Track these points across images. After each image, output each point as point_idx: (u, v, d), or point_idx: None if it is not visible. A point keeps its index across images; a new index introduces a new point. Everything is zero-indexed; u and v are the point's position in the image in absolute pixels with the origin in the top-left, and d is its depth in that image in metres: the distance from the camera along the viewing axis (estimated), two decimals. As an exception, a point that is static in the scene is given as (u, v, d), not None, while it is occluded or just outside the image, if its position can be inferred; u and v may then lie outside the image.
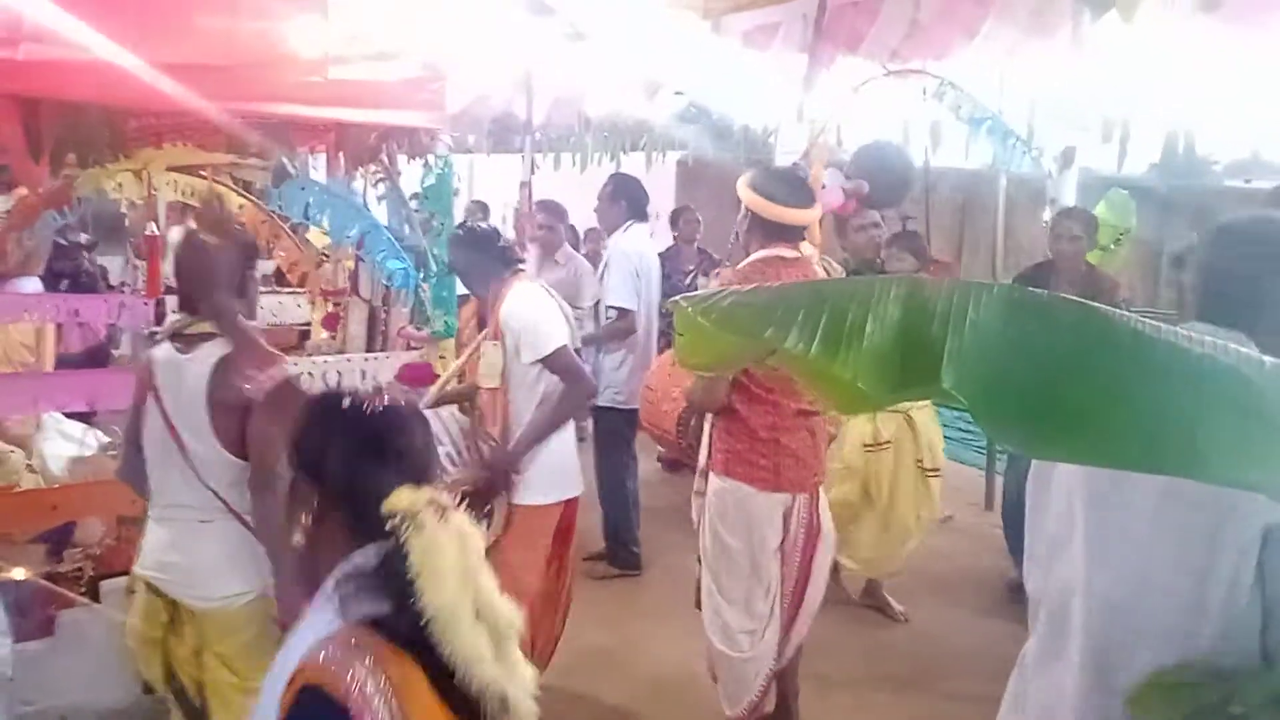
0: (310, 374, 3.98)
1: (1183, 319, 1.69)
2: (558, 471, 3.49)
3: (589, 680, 3.94)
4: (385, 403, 1.55)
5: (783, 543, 3.35)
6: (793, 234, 3.32)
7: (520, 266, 3.59)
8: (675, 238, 7.26)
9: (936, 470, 4.61)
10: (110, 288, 6.60)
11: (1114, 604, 1.73)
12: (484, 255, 3.50)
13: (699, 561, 3.50)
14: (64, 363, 5.53)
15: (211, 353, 2.61)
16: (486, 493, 3.35)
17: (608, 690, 3.95)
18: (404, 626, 1.31)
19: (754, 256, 3.30)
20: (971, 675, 4.10)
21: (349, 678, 1.27)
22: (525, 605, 3.39)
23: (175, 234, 6.28)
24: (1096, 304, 1.10)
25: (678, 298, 1.20)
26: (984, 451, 6.50)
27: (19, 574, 3.49)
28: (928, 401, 4.41)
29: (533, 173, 8.36)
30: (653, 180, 9.24)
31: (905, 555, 4.68)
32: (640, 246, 5.30)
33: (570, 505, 3.59)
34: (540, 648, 3.54)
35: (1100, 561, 1.76)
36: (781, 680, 3.53)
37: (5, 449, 4.61)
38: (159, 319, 5.58)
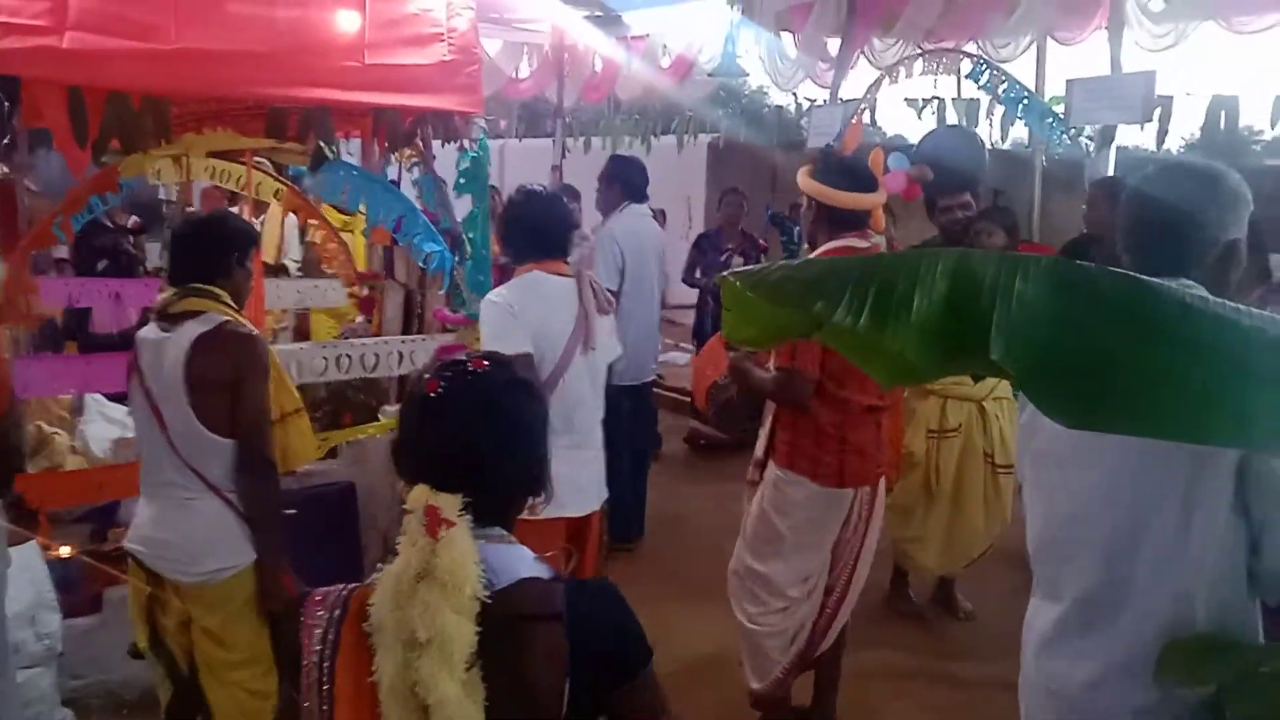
0: (347, 357, 4.02)
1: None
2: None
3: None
4: (445, 390, 1.42)
5: (840, 536, 3.31)
6: (860, 221, 3.22)
7: (556, 257, 3.24)
8: (719, 219, 7.26)
9: (1009, 467, 4.22)
10: (148, 272, 6.70)
11: (1095, 563, 1.77)
12: (530, 225, 3.23)
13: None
14: (101, 345, 5.65)
15: (191, 331, 2.63)
16: None
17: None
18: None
19: (825, 247, 3.19)
20: (1004, 658, 4.10)
21: (310, 618, 1.34)
22: None
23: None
24: (1144, 277, 1.10)
25: (726, 272, 1.21)
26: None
27: (65, 552, 3.57)
28: (1005, 393, 4.23)
29: (563, 156, 8.44)
30: (684, 162, 9.27)
31: (975, 553, 4.44)
32: (635, 227, 5.36)
33: (575, 524, 3.19)
34: None
35: (1070, 522, 1.82)
36: (820, 669, 3.50)
37: (49, 431, 4.70)
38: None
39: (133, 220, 6.85)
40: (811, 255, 3.27)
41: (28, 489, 3.44)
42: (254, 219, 6.49)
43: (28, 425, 4.56)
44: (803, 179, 3.25)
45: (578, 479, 3.18)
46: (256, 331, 2.74)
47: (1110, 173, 4.91)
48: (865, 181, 3.24)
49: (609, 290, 5.12)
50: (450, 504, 1.29)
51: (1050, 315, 1.06)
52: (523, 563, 1.39)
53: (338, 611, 1.34)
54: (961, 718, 3.78)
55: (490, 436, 1.40)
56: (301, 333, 5.90)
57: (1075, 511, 1.80)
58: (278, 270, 6.49)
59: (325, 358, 3.99)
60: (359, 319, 5.34)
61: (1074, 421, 1.07)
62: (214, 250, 2.78)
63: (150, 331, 2.72)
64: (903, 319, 1.07)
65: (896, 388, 4.16)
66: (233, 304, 2.74)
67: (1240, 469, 1.60)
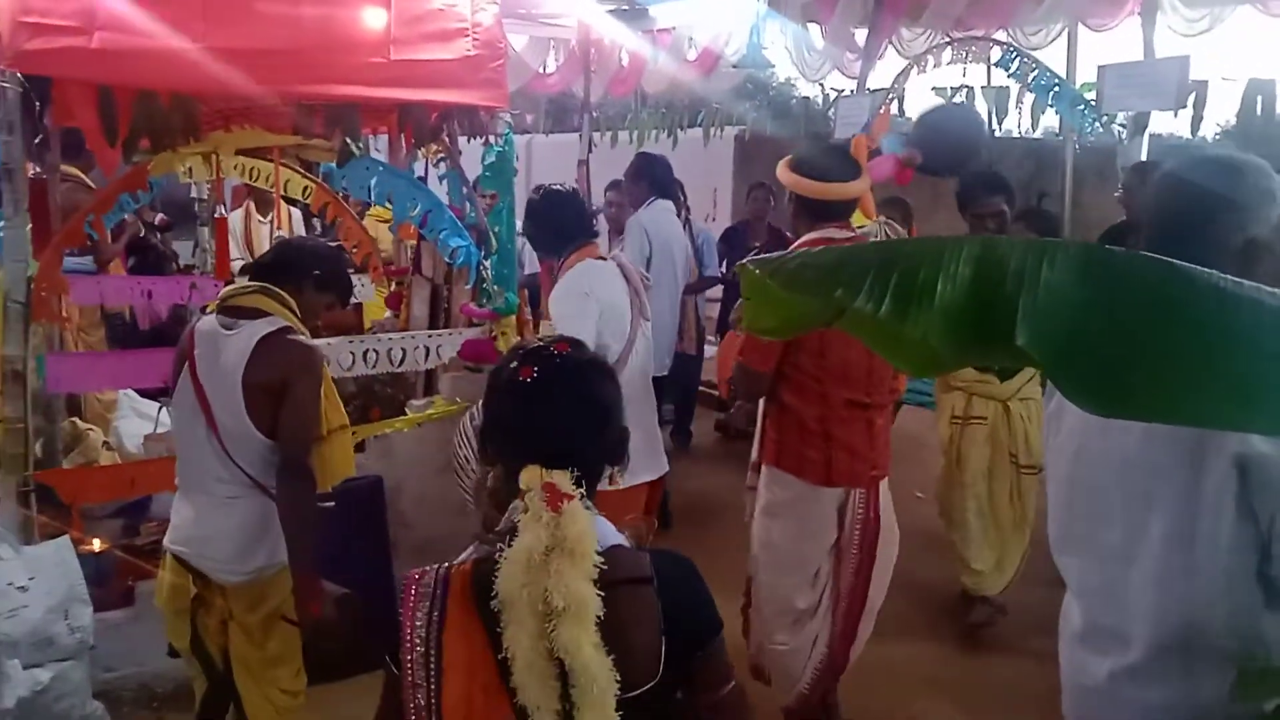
0: (375, 351, 4.04)
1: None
2: (634, 454, 3.29)
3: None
4: (544, 373, 1.52)
5: (838, 539, 3.24)
6: (841, 211, 3.16)
7: (591, 240, 3.47)
8: (746, 213, 7.24)
9: (1033, 468, 4.19)
10: (179, 270, 6.78)
11: (1101, 562, 1.77)
12: (557, 219, 3.42)
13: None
14: (136, 341, 5.73)
15: (255, 330, 2.62)
16: None
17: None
18: (486, 595, 1.39)
19: (805, 239, 3.14)
20: (1042, 638, 4.07)
21: (411, 594, 1.40)
22: None
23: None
24: (1176, 262, 1.08)
25: (744, 261, 1.20)
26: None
27: (97, 546, 3.62)
28: (1031, 393, 4.16)
29: (590, 151, 8.42)
30: (711, 155, 9.24)
31: (1012, 567, 4.33)
32: (662, 221, 5.46)
33: (654, 487, 3.47)
34: None
35: (1080, 517, 1.82)
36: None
37: (84, 427, 4.77)
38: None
39: (159, 218, 6.91)
40: (790, 248, 3.24)
41: (60, 484, 3.50)
42: (260, 218, 6.58)
43: (62, 421, 4.64)
44: (780, 171, 3.20)
45: (650, 444, 3.43)
46: (315, 344, 2.75)
47: (1143, 159, 4.83)
48: (844, 170, 3.17)
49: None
50: (565, 480, 1.40)
51: (1077, 301, 1.03)
52: (609, 532, 1.50)
53: (439, 590, 1.41)
54: (991, 713, 3.74)
55: (583, 416, 1.53)
56: (333, 327, 5.95)
57: (1085, 508, 1.80)
58: None
59: (353, 352, 4.02)
60: (387, 314, 5.37)
61: (1103, 409, 1.05)
62: (295, 259, 2.82)
63: (209, 325, 2.70)
64: (925, 305, 1.05)
65: (952, 380, 4.15)
66: (295, 312, 2.74)
67: (1241, 468, 1.57)
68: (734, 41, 7.52)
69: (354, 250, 5.60)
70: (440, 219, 4.05)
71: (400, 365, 4.14)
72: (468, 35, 3.94)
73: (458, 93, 3.97)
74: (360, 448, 4.22)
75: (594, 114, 8.91)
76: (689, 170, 7.25)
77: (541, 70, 8.80)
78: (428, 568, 1.45)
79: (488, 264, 4.16)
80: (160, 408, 4.76)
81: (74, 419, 4.79)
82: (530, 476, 1.39)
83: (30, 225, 3.40)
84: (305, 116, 3.77)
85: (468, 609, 1.39)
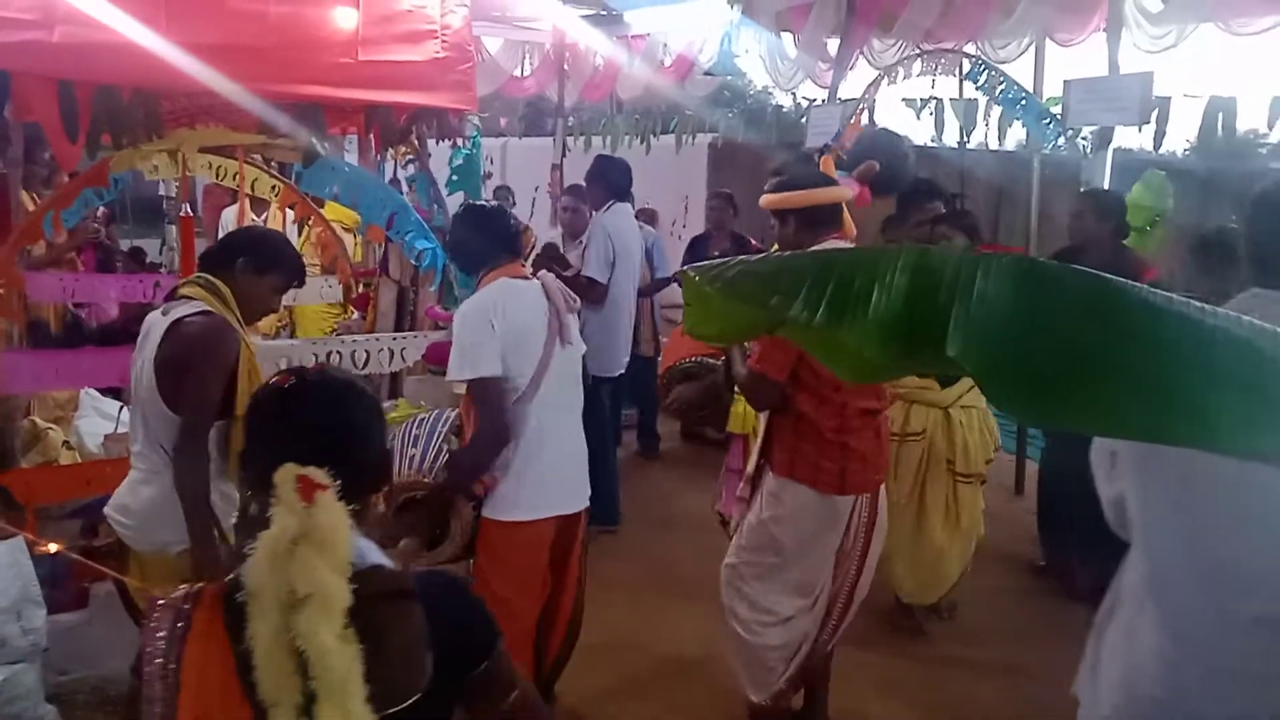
0: (339, 354, 4.02)
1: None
2: (536, 486, 3.12)
3: (609, 657, 3.96)
4: (301, 380, 1.54)
5: (841, 545, 3.25)
6: (837, 217, 3.16)
7: (515, 258, 3.24)
8: (708, 222, 7.23)
9: (970, 477, 4.19)
10: (144, 267, 6.71)
11: (1200, 584, 1.77)
12: (479, 236, 3.21)
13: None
14: (89, 339, 5.66)
15: (175, 313, 2.71)
16: (436, 502, 3.16)
17: (627, 667, 3.97)
18: (233, 599, 1.35)
19: (815, 249, 3.04)
20: (994, 644, 4.12)
21: (155, 610, 1.38)
22: (508, 619, 3.23)
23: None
24: (1108, 275, 1.09)
25: (685, 267, 1.20)
26: (1014, 435, 6.44)
27: (52, 547, 3.57)
28: (972, 401, 4.18)
29: (564, 155, 8.43)
30: (683, 162, 9.26)
31: (949, 579, 4.31)
32: (620, 224, 5.43)
33: (566, 522, 3.24)
34: (548, 661, 3.39)
35: (1189, 540, 1.80)
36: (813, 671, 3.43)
37: (44, 426, 4.71)
38: (193, 298, 5.70)
39: (100, 211, 6.80)
40: None
41: (15, 484, 3.45)
42: (254, 217, 6.52)
43: (21, 420, 4.58)
44: (766, 200, 3.17)
45: (567, 478, 3.25)
46: (233, 326, 2.76)
47: (1107, 173, 4.90)
48: (823, 177, 3.20)
49: (597, 281, 5.30)
50: (319, 473, 1.35)
51: (1010, 312, 1.04)
52: (371, 551, 1.46)
53: (187, 605, 1.38)
54: (950, 714, 3.76)
55: (336, 426, 1.50)
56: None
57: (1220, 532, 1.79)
58: None
59: (316, 354, 3.99)
60: (354, 315, 5.34)
61: (1033, 419, 1.06)
62: (227, 246, 2.90)
63: (153, 314, 2.82)
64: (860, 315, 1.06)
65: (891, 389, 4.16)
66: (229, 299, 2.78)
67: None
68: (708, 49, 7.56)
69: (322, 251, 5.59)
70: (406, 221, 4.03)
71: (364, 367, 4.12)
72: (437, 37, 3.94)
73: (426, 95, 3.97)
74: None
75: (568, 118, 8.92)
76: (661, 177, 7.27)
77: (517, 74, 8.82)
78: (182, 587, 1.43)
79: (453, 266, 4.15)
80: (121, 407, 4.71)
81: (33, 418, 4.73)
82: (284, 472, 1.34)
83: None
84: (270, 115, 3.73)
85: (213, 615, 1.36)
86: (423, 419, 3.36)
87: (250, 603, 1.30)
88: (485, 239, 3.20)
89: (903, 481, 4.21)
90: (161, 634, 1.36)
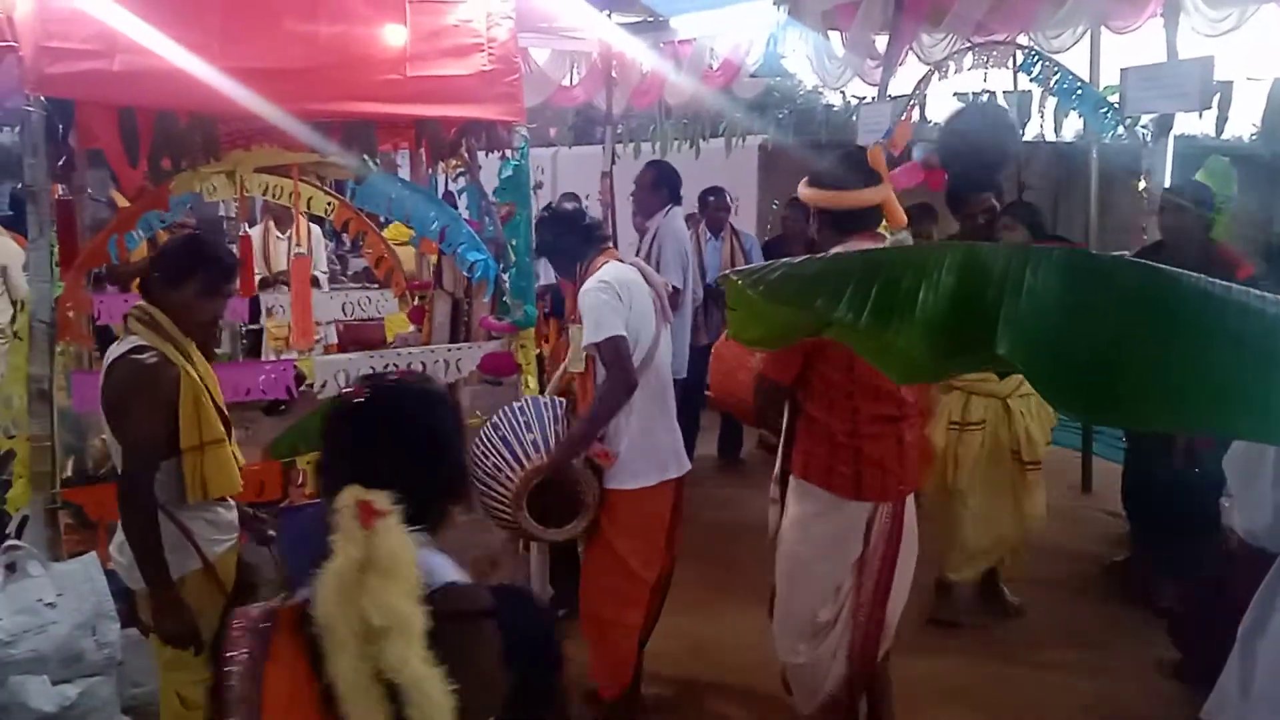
0: (395, 366, 4.06)
1: None
2: (654, 452, 3.40)
3: (666, 661, 3.94)
4: (377, 391, 1.50)
5: (863, 553, 3.18)
6: (868, 220, 3.12)
7: (607, 244, 3.51)
8: (782, 231, 7.18)
9: (1037, 464, 4.28)
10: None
11: None
12: (568, 236, 3.48)
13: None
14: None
15: (110, 354, 2.74)
16: (565, 482, 3.30)
17: (684, 671, 3.96)
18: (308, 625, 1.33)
19: (833, 252, 2.98)
20: (1061, 647, 4.04)
21: (233, 631, 1.35)
22: (631, 585, 3.40)
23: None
24: (1163, 266, 1.06)
25: (728, 271, 1.20)
26: (1080, 433, 6.31)
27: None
28: (1031, 390, 4.17)
29: (613, 162, 8.45)
30: (733, 164, 9.23)
31: (1002, 552, 4.39)
32: (680, 229, 5.68)
33: (678, 484, 3.52)
34: (649, 625, 3.63)
35: None
36: (871, 687, 3.38)
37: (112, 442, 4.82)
38: (253, 316, 5.81)
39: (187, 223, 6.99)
40: None
41: (87, 501, 3.54)
42: (279, 234, 6.66)
43: (92, 440, 4.70)
44: (803, 190, 3.18)
45: (675, 444, 3.52)
46: (165, 358, 2.72)
47: (1168, 161, 4.78)
48: (859, 177, 3.11)
49: (676, 288, 5.43)
50: (380, 497, 1.31)
51: (1060, 307, 1.02)
52: (446, 568, 1.43)
53: (266, 624, 1.35)
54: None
55: (411, 441, 1.45)
56: (358, 342, 5.99)
57: None
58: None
59: (374, 367, 4.04)
60: (410, 328, 5.40)
61: (1084, 416, 1.04)
62: (153, 270, 2.89)
63: (110, 347, 2.86)
64: (907, 315, 1.04)
65: (920, 397, 4.12)
66: (166, 324, 2.77)
67: None
68: (754, 51, 7.53)
69: (377, 265, 5.66)
70: (458, 233, 4.07)
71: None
72: (484, 50, 3.96)
73: (474, 108, 3.99)
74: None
75: (617, 126, 8.94)
76: (712, 181, 7.24)
77: (565, 83, 8.86)
78: (260, 604, 1.41)
79: (506, 277, 4.17)
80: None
81: (103, 437, 4.84)
82: (346, 496, 1.32)
83: (57, 246, 3.46)
84: (322, 134, 3.80)
85: (294, 642, 1.33)
86: (520, 407, 3.48)
87: (325, 636, 1.28)
88: (575, 237, 3.48)
89: (963, 469, 4.26)
90: (241, 658, 1.33)
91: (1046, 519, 4.38)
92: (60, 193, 3.84)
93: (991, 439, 4.25)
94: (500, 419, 3.44)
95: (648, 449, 3.37)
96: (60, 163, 3.45)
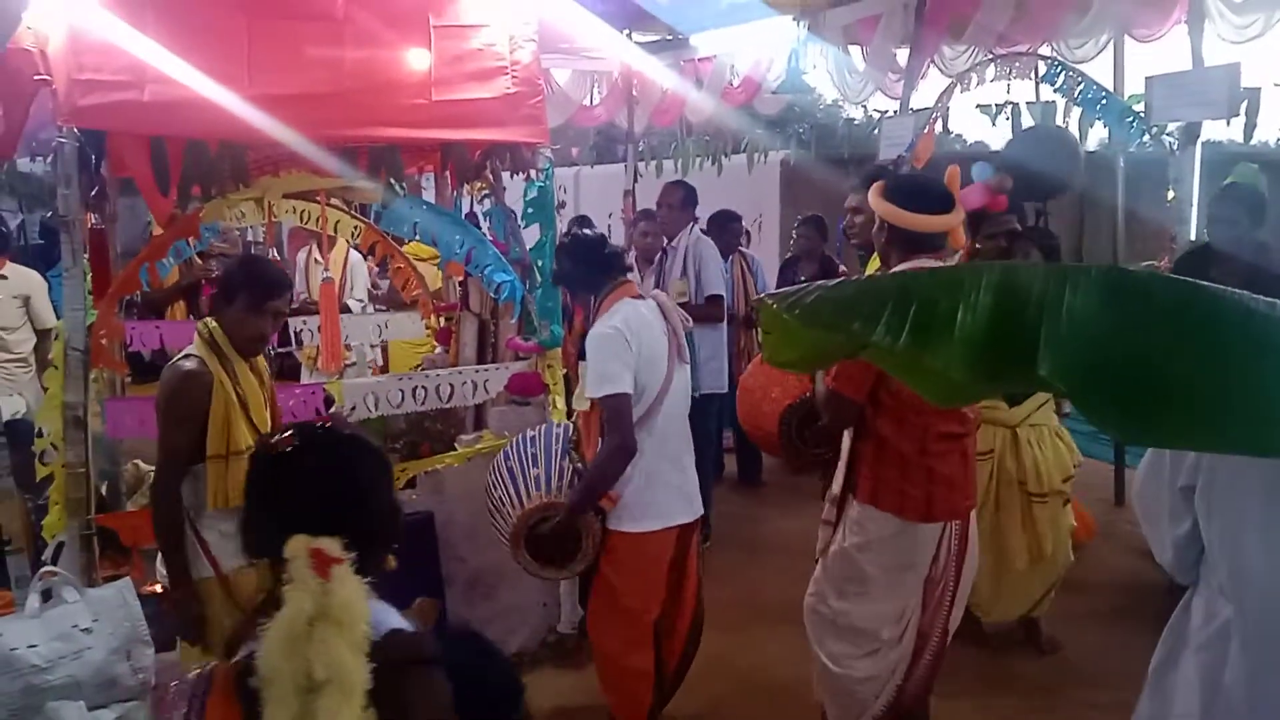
0: (423, 389, 4.08)
1: None
2: (658, 499, 3.30)
3: (693, 679, 3.91)
4: (303, 439, 1.47)
5: (930, 574, 3.12)
6: (936, 243, 3.06)
7: (625, 277, 3.41)
8: (796, 249, 7.16)
9: (1043, 495, 4.06)
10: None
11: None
12: (585, 266, 3.39)
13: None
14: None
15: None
16: (567, 520, 3.25)
17: (713, 689, 3.93)
18: (246, 683, 1.30)
19: (898, 269, 2.98)
20: (1102, 680, 3.93)
21: (166, 698, 1.36)
22: (630, 626, 3.32)
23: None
24: (1204, 283, 1.05)
25: (763, 294, 1.19)
26: (1112, 445, 6.23)
27: (159, 587, 3.68)
28: (1041, 419, 4.08)
29: (635, 181, 8.48)
30: (756, 181, 9.24)
31: (1030, 599, 4.23)
32: (710, 241, 5.78)
33: (684, 529, 3.39)
34: (671, 665, 3.54)
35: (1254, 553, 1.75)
36: (910, 714, 3.30)
37: (147, 469, 4.87)
38: (282, 340, 5.85)
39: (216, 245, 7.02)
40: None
41: (121, 526, 3.57)
42: (318, 259, 6.69)
43: (126, 465, 4.75)
44: (874, 199, 3.10)
45: (685, 487, 3.41)
46: (202, 367, 2.96)
47: (1196, 169, 4.73)
48: (940, 201, 3.06)
49: (721, 297, 5.55)
50: (332, 544, 1.30)
51: (1102, 327, 1.01)
52: (390, 615, 1.42)
53: (201, 688, 1.34)
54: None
55: (343, 484, 1.44)
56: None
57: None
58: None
59: (402, 390, 4.06)
60: (437, 350, 5.43)
61: (1129, 437, 1.03)
62: (218, 288, 3.17)
63: None
64: (945, 336, 1.03)
65: (976, 412, 4.07)
66: (220, 340, 3.01)
67: None
68: (775, 67, 7.55)
69: (404, 288, 5.69)
70: (484, 255, 4.09)
71: (449, 401, 4.18)
72: (507, 73, 3.99)
73: (499, 130, 4.02)
74: (411, 483, 4.26)
75: (639, 144, 8.97)
76: (736, 197, 7.25)
77: (586, 103, 8.91)
78: (195, 669, 1.40)
79: (532, 298, 4.19)
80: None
81: (136, 461, 4.90)
82: (296, 545, 1.30)
83: (90, 274, 3.51)
84: (349, 159, 3.84)
85: (228, 700, 1.31)
86: (532, 436, 3.47)
87: (265, 688, 1.26)
88: (593, 266, 3.38)
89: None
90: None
91: (1072, 561, 4.19)
92: (93, 222, 3.88)
93: (999, 470, 4.11)
94: (511, 449, 3.45)
95: (651, 495, 3.29)
96: (93, 192, 3.49)
